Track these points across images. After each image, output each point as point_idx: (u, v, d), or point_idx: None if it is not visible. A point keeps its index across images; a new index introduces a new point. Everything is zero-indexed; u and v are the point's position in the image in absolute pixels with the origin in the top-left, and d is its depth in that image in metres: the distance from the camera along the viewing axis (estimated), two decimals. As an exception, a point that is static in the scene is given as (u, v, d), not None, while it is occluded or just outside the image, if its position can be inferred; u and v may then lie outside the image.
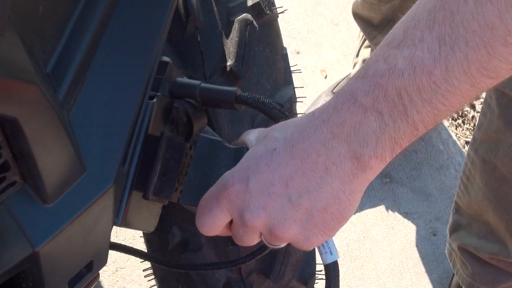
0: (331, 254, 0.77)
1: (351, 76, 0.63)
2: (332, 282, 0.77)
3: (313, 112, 0.69)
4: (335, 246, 0.77)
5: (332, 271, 0.77)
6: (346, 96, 0.66)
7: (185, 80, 0.82)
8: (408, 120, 0.64)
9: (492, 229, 1.58)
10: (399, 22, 0.65)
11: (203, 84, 0.80)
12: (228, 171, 0.73)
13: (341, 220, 0.71)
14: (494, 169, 1.48)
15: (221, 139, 0.80)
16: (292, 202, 0.69)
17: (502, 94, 1.39)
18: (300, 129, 0.69)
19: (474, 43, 0.59)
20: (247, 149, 0.77)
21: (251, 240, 0.74)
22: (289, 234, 0.71)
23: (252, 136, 0.76)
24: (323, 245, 0.76)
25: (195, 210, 0.77)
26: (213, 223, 0.74)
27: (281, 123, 0.73)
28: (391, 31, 0.65)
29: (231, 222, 0.75)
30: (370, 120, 0.65)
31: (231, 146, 0.79)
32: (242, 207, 0.71)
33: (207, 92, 0.80)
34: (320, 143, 0.67)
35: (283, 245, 0.74)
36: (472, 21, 0.58)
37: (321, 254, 0.77)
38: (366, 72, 0.65)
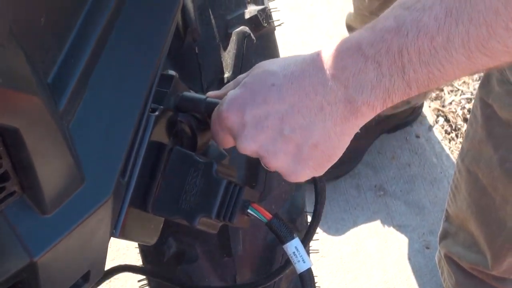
0: (304, 262, 0.78)
1: None
2: None
3: (317, 53, 0.73)
4: (306, 254, 0.78)
5: (307, 279, 0.78)
6: (352, 43, 0.70)
7: (191, 94, 0.82)
8: (404, 77, 0.68)
9: (474, 239, 1.59)
10: None
11: (209, 99, 0.81)
12: (230, 93, 0.76)
13: (330, 159, 0.75)
14: (476, 179, 1.49)
15: (193, 153, 0.80)
16: (284, 136, 0.73)
17: (486, 104, 1.40)
18: (301, 68, 0.73)
19: (477, 21, 0.63)
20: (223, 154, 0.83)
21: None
22: (277, 165, 0.76)
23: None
24: (295, 254, 0.78)
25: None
26: (221, 139, 0.79)
27: (277, 59, 0.77)
28: None
29: None
30: (369, 69, 0.69)
31: (201, 161, 0.78)
32: (236, 135, 0.76)
33: (213, 107, 0.80)
34: (320, 83, 0.71)
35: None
36: (479, 2, 0.62)
37: (294, 263, 0.78)
38: (375, 25, 0.70)
